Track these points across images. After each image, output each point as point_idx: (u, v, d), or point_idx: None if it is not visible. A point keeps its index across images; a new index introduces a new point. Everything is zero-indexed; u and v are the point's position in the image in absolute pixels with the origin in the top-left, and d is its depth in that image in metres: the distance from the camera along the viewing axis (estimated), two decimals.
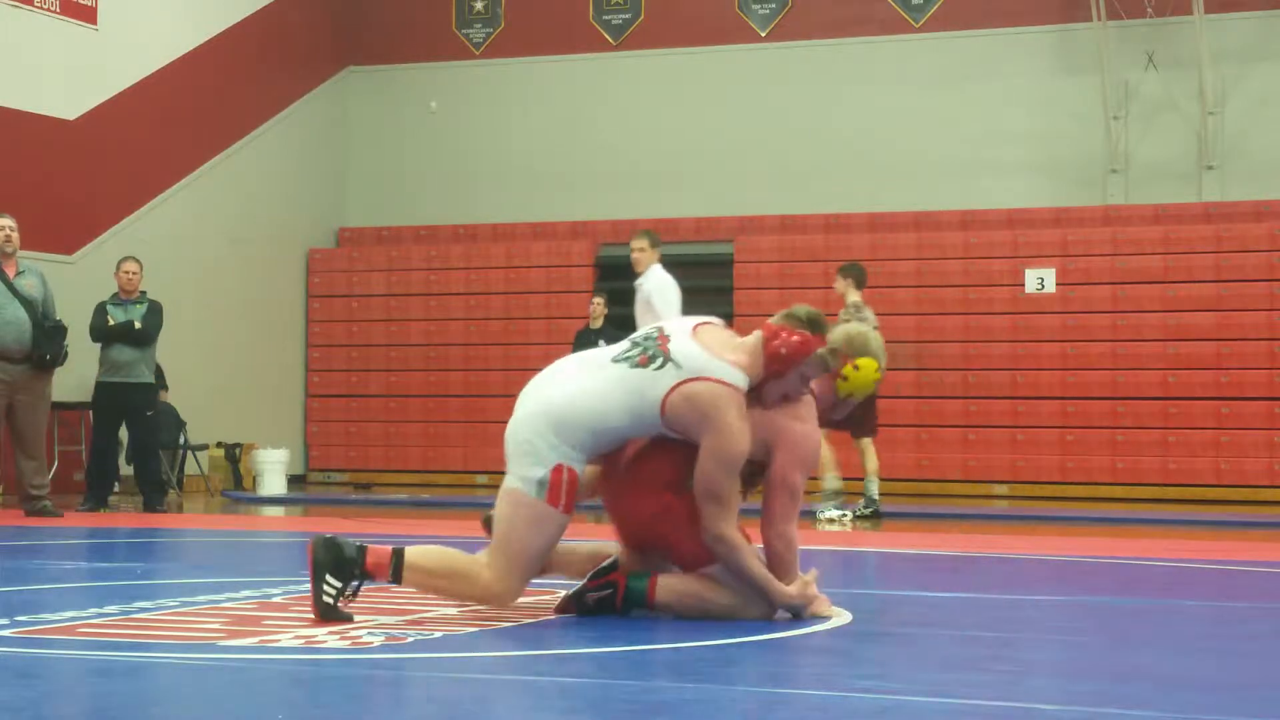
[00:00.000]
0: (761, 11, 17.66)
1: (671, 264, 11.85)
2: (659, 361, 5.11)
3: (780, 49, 17.57)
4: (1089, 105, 16.46)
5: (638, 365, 5.14)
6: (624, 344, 5.31)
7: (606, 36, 18.22)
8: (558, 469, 5.07)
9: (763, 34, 17.69)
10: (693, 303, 17.05)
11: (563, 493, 5.08)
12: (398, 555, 5.12)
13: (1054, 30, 16.78)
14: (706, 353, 5.12)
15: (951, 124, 16.84)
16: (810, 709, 3.80)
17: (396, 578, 5.14)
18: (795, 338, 5.18)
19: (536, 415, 5.15)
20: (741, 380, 5.10)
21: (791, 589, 5.22)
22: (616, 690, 4.06)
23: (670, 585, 5.24)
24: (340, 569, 5.05)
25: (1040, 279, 16.00)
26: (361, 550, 5.09)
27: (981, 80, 16.89)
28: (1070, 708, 3.81)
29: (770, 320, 5.30)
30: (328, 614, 5.03)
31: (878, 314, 12.09)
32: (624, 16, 18.14)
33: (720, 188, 17.49)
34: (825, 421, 5.50)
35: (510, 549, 5.14)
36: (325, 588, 5.03)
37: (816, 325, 5.25)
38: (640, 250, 11.60)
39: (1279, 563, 8.29)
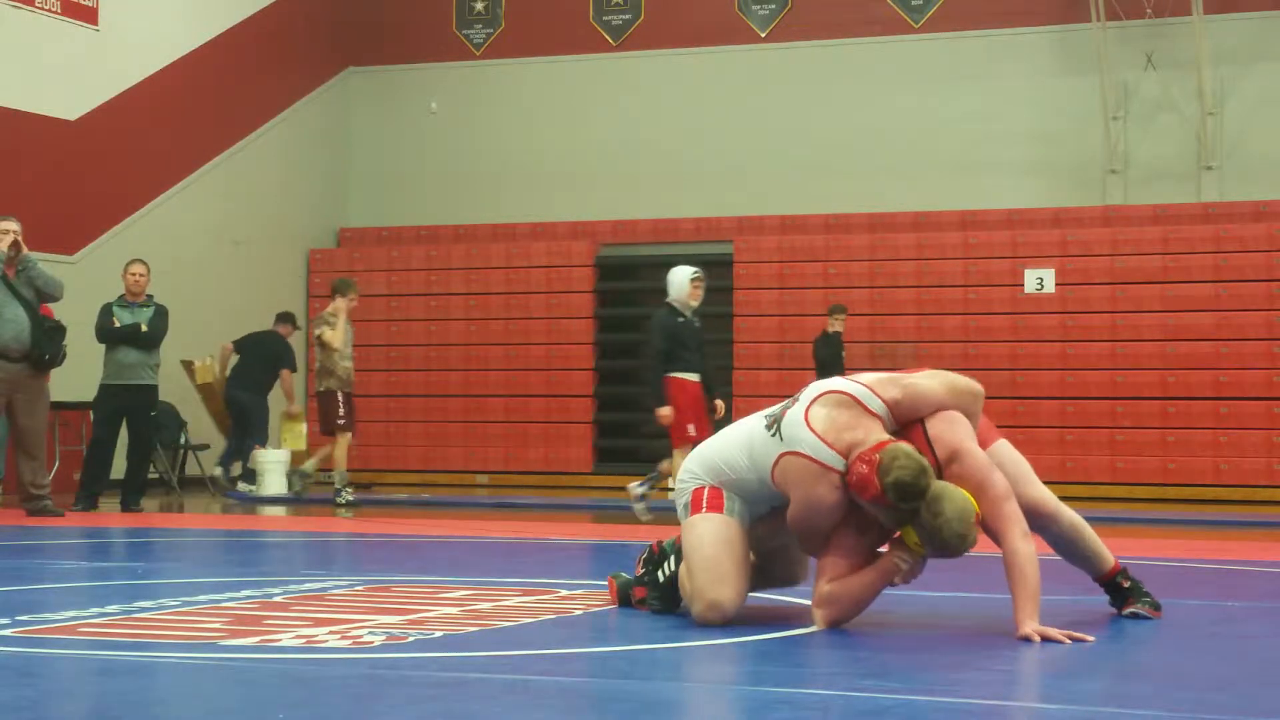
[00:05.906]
0: (761, 12, 17.65)
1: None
2: (775, 429, 5.18)
3: (780, 49, 17.57)
4: (1088, 106, 16.46)
5: (767, 427, 5.22)
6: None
7: (606, 37, 18.22)
8: (696, 491, 5.33)
9: (763, 34, 17.69)
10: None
11: (704, 503, 5.29)
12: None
13: (1053, 31, 16.78)
14: (808, 430, 5.09)
15: (951, 124, 16.84)
16: (810, 709, 3.81)
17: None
18: (864, 471, 4.94)
19: (684, 465, 5.49)
20: (834, 461, 5.04)
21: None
22: (616, 690, 4.07)
23: None
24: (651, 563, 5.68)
25: (1040, 279, 16.00)
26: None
27: (981, 80, 16.89)
28: (1070, 707, 3.81)
29: (893, 444, 4.97)
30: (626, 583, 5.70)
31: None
32: (624, 16, 18.14)
33: (720, 188, 17.48)
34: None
35: (699, 567, 5.20)
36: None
37: (898, 491, 4.87)
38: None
39: (1279, 563, 8.30)
